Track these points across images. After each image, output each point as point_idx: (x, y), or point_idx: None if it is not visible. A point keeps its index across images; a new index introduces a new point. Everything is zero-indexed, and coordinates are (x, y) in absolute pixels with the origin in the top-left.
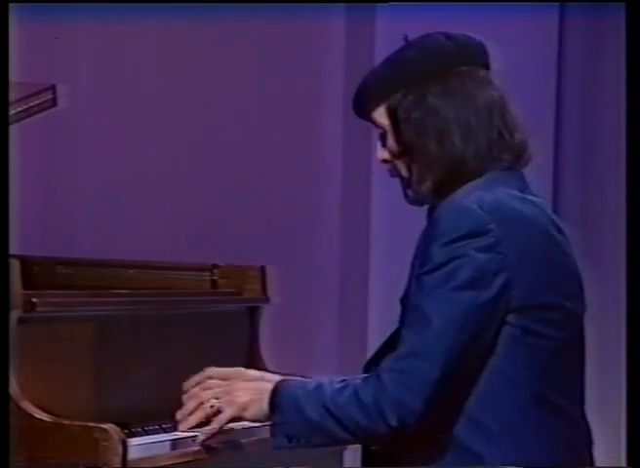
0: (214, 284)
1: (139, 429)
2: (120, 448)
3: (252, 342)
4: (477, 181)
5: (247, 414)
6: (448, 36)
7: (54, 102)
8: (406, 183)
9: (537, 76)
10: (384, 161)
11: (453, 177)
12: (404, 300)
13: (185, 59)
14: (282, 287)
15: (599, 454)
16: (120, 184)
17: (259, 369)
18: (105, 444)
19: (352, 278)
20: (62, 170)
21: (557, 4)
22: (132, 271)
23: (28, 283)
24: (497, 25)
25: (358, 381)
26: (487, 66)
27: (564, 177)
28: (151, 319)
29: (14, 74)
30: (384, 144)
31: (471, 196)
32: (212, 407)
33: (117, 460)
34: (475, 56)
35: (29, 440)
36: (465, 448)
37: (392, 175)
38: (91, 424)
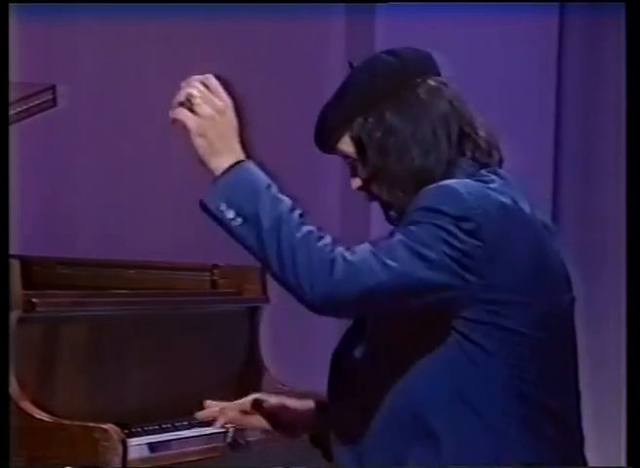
0: (214, 284)
1: (138, 429)
2: (120, 448)
3: (251, 342)
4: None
5: (213, 132)
6: (393, 53)
7: (54, 103)
8: (384, 206)
9: (537, 76)
10: (359, 189)
11: (419, 185)
12: None
13: (185, 59)
14: (282, 287)
15: (599, 455)
16: (120, 184)
17: (258, 368)
18: (105, 444)
19: None
20: (62, 170)
21: (557, 4)
22: (132, 271)
23: (28, 283)
24: (497, 25)
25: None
26: (438, 74)
27: (564, 177)
28: (151, 319)
29: (14, 74)
30: (355, 173)
31: (459, 182)
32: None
33: (117, 460)
34: (424, 66)
35: (29, 440)
36: (437, 438)
37: (370, 201)
38: (91, 424)
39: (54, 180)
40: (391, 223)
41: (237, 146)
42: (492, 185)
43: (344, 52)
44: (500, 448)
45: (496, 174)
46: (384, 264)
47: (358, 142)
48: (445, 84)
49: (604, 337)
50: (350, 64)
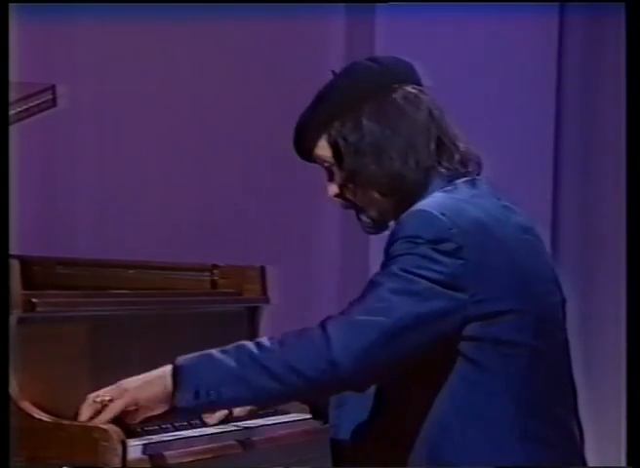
0: (213, 284)
1: (138, 429)
2: (120, 449)
3: None
4: (435, 193)
5: (142, 396)
6: (374, 60)
7: (53, 103)
8: (358, 211)
9: (537, 76)
10: (336, 196)
11: (398, 195)
12: None
13: (184, 60)
14: (282, 287)
15: (599, 454)
16: (120, 184)
17: None
18: (105, 444)
19: (352, 278)
20: (62, 170)
21: (557, 4)
22: (131, 271)
23: (28, 283)
24: (497, 26)
25: (290, 333)
26: (418, 83)
27: (564, 178)
28: (151, 319)
29: (14, 74)
30: (331, 179)
31: (432, 204)
32: (102, 401)
33: (117, 460)
34: (404, 74)
35: (29, 440)
36: (438, 456)
37: (346, 208)
38: (90, 424)
39: (54, 180)
40: (366, 231)
41: (163, 368)
42: (466, 198)
43: (344, 52)
44: (505, 461)
45: (472, 183)
46: (378, 315)
47: (335, 146)
48: (424, 93)
49: (604, 337)
50: (333, 73)
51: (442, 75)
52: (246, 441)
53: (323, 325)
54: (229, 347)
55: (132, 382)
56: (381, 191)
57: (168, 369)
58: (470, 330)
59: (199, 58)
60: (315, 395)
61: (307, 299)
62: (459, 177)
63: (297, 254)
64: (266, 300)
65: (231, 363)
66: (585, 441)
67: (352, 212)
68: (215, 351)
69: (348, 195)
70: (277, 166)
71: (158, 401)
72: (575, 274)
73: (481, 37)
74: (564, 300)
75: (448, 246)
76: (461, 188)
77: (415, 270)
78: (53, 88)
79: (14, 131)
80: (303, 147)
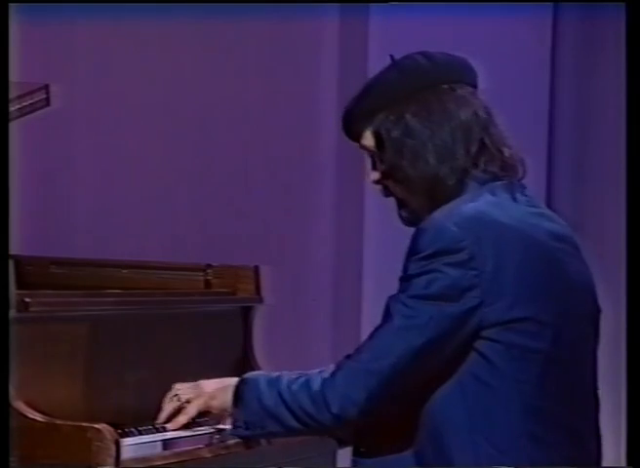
0: (207, 284)
1: (132, 429)
2: (113, 449)
3: (245, 342)
4: (465, 195)
5: (214, 404)
6: (427, 56)
7: (47, 102)
8: (398, 204)
9: (530, 77)
10: (376, 182)
11: (432, 196)
12: None
13: (181, 60)
14: (275, 287)
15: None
16: (116, 184)
17: (252, 368)
18: (98, 444)
19: (345, 278)
20: (60, 170)
21: (551, 4)
22: (125, 271)
23: (22, 283)
24: (490, 26)
25: (315, 371)
26: (471, 83)
27: (557, 178)
28: (145, 319)
29: (13, 74)
30: (375, 167)
31: (451, 212)
32: (180, 399)
33: (110, 460)
34: (456, 73)
35: (23, 440)
36: (443, 453)
37: (386, 196)
38: (84, 424)
39: (50, 180)
40: (403, 222)
41: (234, 379)
42: (492, 202)
43: (338, 52)
44: (509, 462)
45: (507, 188)
46: (378, 359)
47: (377, 138)
48: (474, 94)
49: (604, 338)
50: (391, 57)
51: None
52: (242, 440)
53: (334, 373)
54: (274, 379)
55: (208, 386)
56: (416, 190)
57: (234, 384)
58: (485, 333)
59: (195, 59)
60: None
61: (301, 299)
62: (496, 181)
63: (290, 254)
64: (260, 300)
65: (270, 402)
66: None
67: (345, 211)
68: (264, 381)
69: (389, 185)
70: (272, 166)
71: (228, 408)
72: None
73: (475, 37)
74: (598, 311)
75: (459, 257)
76: (493, 192)
77: (423, 292)
78: (46, 87)
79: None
80: (350, 135)
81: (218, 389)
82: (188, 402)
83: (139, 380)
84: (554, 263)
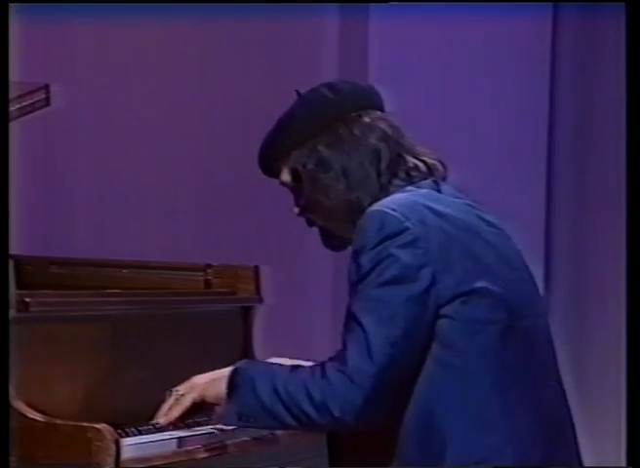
0: (207, 284)
1: (132, 429)
2: (113, 448)
3: (245, 342)
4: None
5: (208, 395)
6: (332, 88)
7: (47, 102)
8: (322, 233)
9: (530, 76)
10: (299, 215)
11: (353, 220)
12: None
13: (180, 59)
14: (275, 286)
15: (599, 455)
16: (115, 184)
17: None
18: (98, 443)
19: (345, 278)
20: (60, 169)
21: (551, 4)
22: (125, 271)
23: (22, 283)
24: (489, 26)
25: (307, 372)
26: (377, 107)
27: (557, 185)
28: (145, 319)
29: (13, 74)
30: (297, 202)
31: (385, 202)
32: (175, 395)
33: (110, 460)
34: (361, 101)
35: (22, 439)
36: (427, 443)
37: (310, 226)
38: (84, 424)
39: (50, 180)
40: (331, 249)
41: (228, 369)
42: (422, 193)
43: (338, 52)
44: (492, 437)
45: (434, 184)
46: (362, 359)
47: (294, 174)
48: (380, 117)
49: (604, 337)
50: (297, 93)
51: (435, 75)
52: (241, 440)
53: (325, 372)
54: (268, 372)
55: (201, 378)
56: (335, 218)
57: (227, 374)
58: (443, 311)
59: (195, 59)
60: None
61: (301, 299)
62: (417, 182)
63: (290, 254)
64: (260, 300)
65: (266, 398)
66: (586, 441)
67: None
68: (257, 376)
69: (311, 217)
70: None
71: (223, 397)
72: (573, 273)
73: (474, 37)
74: (538, 293)
75: (405, 238)
76: (419, 187)
77: (381, 280)
78: (46, 87)
79: (9, 130)
80: (269, 174)
81: (211, 380)
82: (182, 396)
83: (138, 380)
84: (491, 243)
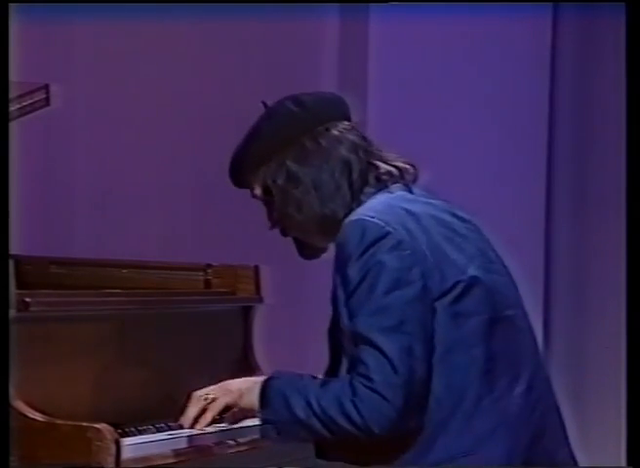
0: (207, 283)
1: (132, 429)
2: (113, 448)
3: (245, 342)
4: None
5: (242, 402)
6: (297, 101)
7: (47, 102)
8: (297, 243)
9: (530, 76)
10: (271, 228)
11: (326, 231)
12: (332, 330)
13: (180, 59)
14: (275, 286)
15: (599, 455)
16: (117, 184)
17: (252, 368)
18: (99, 443)
19: None
20: (60, 170)
21: (550, 4)
22: (125, 271)
23: (22, 282)
24: (490, 26)
25: (337, 387)
26: (344, 117)
27: (557, 185)
28: (145, 319)
29: (13, 74)
30: (270, 215)
31: (361, 211)
32: (206, 399)
33: (110, 460)
34: (327, 114)
35: (22, 439)
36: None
37: (284, 236)
38: (84, 424)
39: (50, 180)
40: (306, 258)
41: (261, 378)
42: (393, 196)
43: (338, 52)
44: (478, 427)
45: (404, 187)
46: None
47: (265, 188)
48: (347, 128)
49: (604, 337)
50: (264, 104)
51: (434, 75)
52: (240, 440)
53: (355, 391)
54: (300, 387)
55: (235, 384)
56: (308, 231)
57: (259, 387)
58: (436, 308)
59: (195, 59)
60: None
61: (300, 299)
62: (389, 185)
63: (290, 254)
64: (260, 300)
65: (301, 414)
66: (586, 441)
67: None
68: (290, 389)
69: (284, 230)
70: None
71: (255, 409)
72: (572, 273)
73: (474, 37)
74: (516, 288)
75: (388, 242)
76: (390, 192)
77: (376, 290)
78: (46, 87)
79: (9, 130)
80: (240, 187)
81: (246, 388)
82: (214, 400)
83: (139, 380)
84: (468, 237)
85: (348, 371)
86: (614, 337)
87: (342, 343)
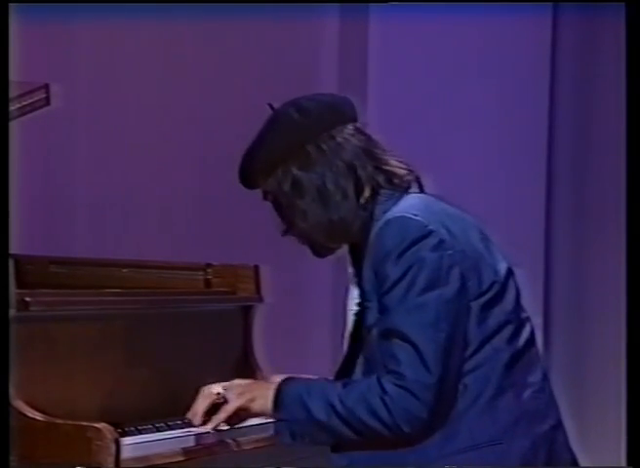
0: (207, 283)
1: (132, 428)
2: (113, 448)
3: (245, 341)
4: (403, 199)
5: (254, 406)
6: (300, 109)
7: (47, 102)
8: (309, 246)
9: (530, 76)
10: (283, 235)
11: (337, 235)
12: (354, 330)
13: (180, 60)
14: (275, 286)
15: (599, 455)
16: (117, 184)
17: (252, 367)
18: (98, 443)
19: (345, 276)
20: (60, 169)
21: (550, 4)
22: (125, 270)
23: (22, 282)
24: (490, 26)
25: (363, 387)
26: (349, 120)
27: (558, 177)
28: (145, 318)
29: (13, 74)
30: (282, 221)
31: (401, 208)
32: (218, 395)
33: (110, 460)
34: (330, 121)
35: (23, 439)
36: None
37: (301, 243)
38: (84, 423)
39: (50, 180)
40: (319, 256)
41: (275, 382)
42: (423, 198)
43: (338, 52)
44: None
45: (419, 193)
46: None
47: (273, 198)
48: (352, 132)
49: (604, 337)
50: (271, 106)
51: (434, 75)
52: (240, 440)
53: (384, 389)
54: (318, 390)
55: (247, 387)
56: (322, 236)
57: (272, 392)
58: (471, 309)
59: (195, 59)
60: None
61: (300, 298)
62: (404, 190)
63: (289, 253)
64: (260, 299)
65: (322, 416)
66: (586, 441)
67: None
68: (307, 393)
69: (295, 235)
70: None
71: (268, 412)
72: (572, 273)
73: (474, 38)
74: (517, 287)
75: (431, 241)
76: (415, 192)
77: (415, 287)
78: (46, 87)
79: (9, 129)
80: (252, 188)
81: (257, 393)
82: (225, 400)
83: (138, 380)
84: (490, 239)
85: (365, 373)
86: (614, 338)
87: (361, 343)
